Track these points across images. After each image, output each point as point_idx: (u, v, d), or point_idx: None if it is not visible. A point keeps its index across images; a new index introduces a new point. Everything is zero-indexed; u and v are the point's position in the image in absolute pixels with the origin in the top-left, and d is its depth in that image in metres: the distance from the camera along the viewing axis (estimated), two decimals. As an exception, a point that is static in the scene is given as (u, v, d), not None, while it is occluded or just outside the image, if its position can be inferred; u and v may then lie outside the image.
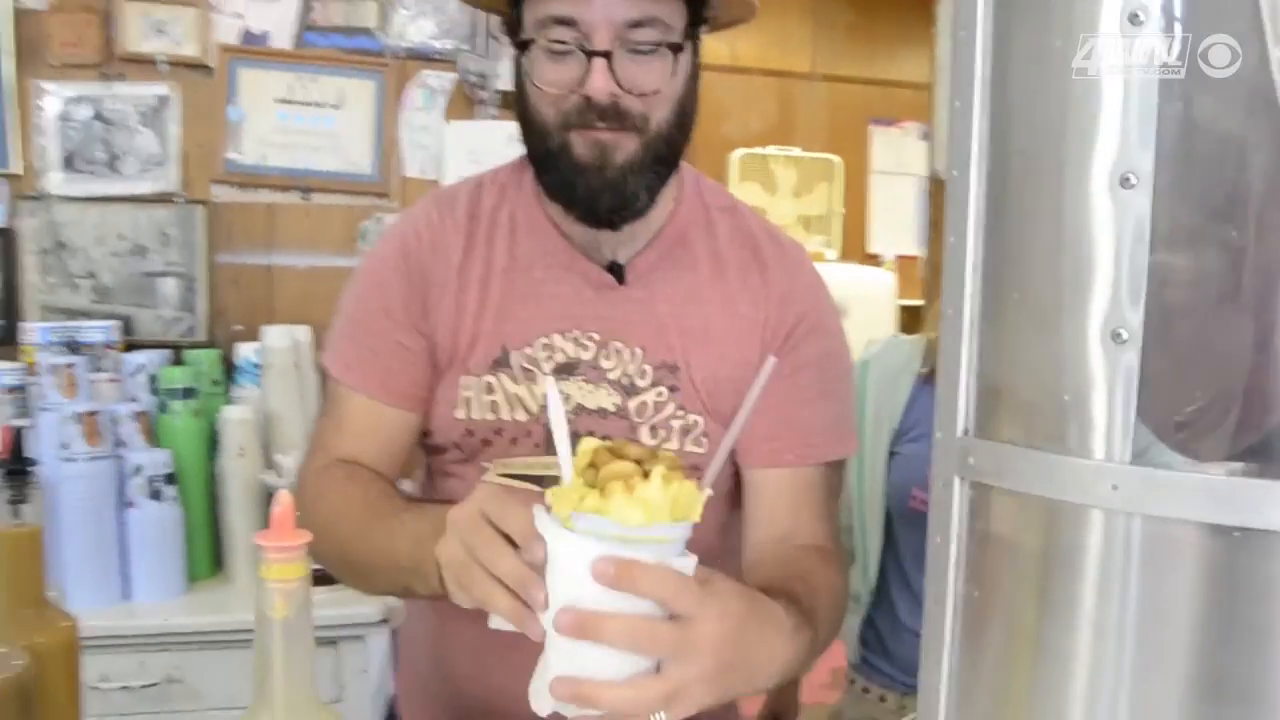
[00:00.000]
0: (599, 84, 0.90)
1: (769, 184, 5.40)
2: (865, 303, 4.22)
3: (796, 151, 5.46)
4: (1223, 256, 0.68)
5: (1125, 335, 0.64)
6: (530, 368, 1.00)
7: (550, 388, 0.73)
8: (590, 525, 0.66)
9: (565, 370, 1.00)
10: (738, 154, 5.41)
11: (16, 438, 0.88)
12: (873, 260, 5.48)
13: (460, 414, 1.01)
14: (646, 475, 0.66)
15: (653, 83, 0.93)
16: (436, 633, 1.10)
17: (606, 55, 0.90)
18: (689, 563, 0.71)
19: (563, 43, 0.91)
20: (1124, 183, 0.64)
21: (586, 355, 1.00)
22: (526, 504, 0.71)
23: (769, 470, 1.02)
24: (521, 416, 1.00)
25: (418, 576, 0.81)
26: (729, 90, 5.76)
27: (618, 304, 1.01)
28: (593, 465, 0.68)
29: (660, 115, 0.95)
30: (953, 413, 0.73)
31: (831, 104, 5.85)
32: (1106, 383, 0.65)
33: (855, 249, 5.53)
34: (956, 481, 0.73)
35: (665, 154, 0.96)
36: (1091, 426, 0.66)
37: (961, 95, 0.73)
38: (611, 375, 1.00)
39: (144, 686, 1.64)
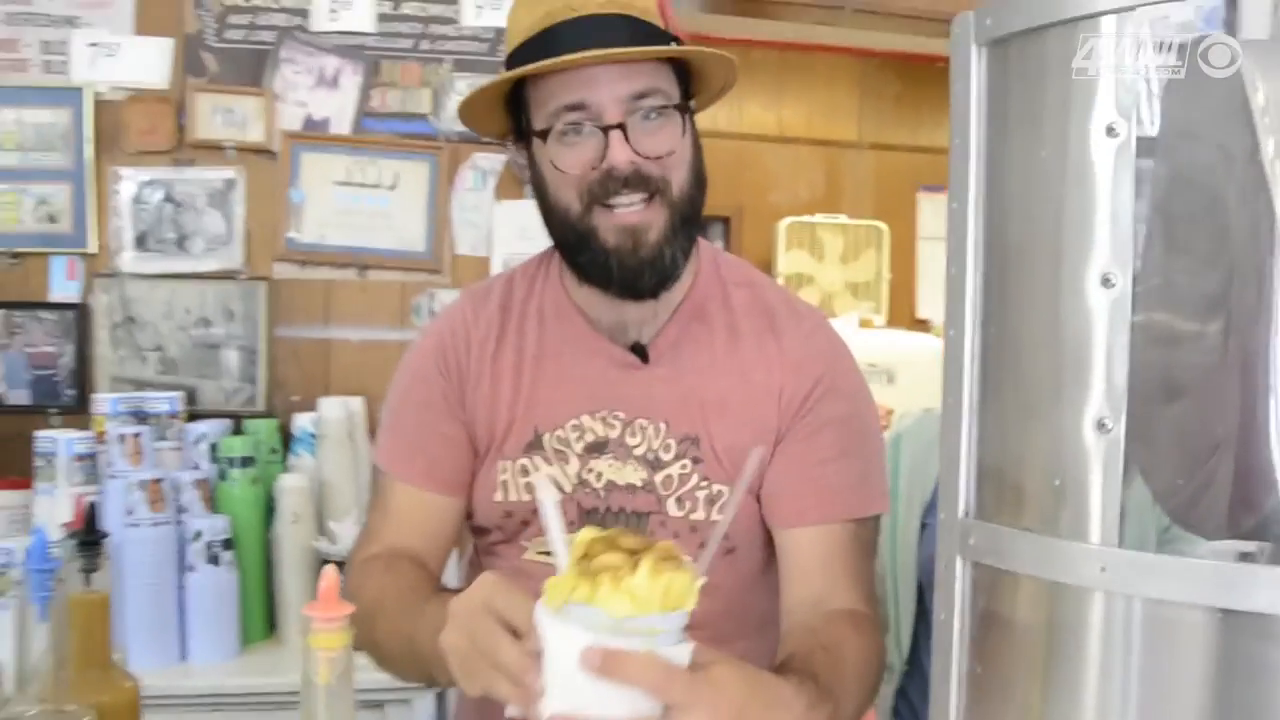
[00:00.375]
0: (618, 155, 0.97)
1: (816, 251, 5.46)
2: (912, 367, 4.23)
3: (844, 219, 5.52)
4: (1208, 345, 0.72)
5: (1109, 424, 0.68)
6: (562, 449, 1.05)
7: (541, 483, 0.76)
8: (580, 615, 0.67)
9: (595, 449, 1.05)
10: (785, 222, 5.49)
11: (91, 510, 0.95)
12: (921, 325, 5.49)
13: (499, 497, 1.06)
14: (638, 566, 0.67)
15: (666, 144, 0.99)
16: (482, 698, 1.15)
17: (621, 127, 0.97)
18: (684, 651, 0.71)
19: (577, 125, 0.98)
20: (1105, 282, 0.69)
21: (614, 434, 1.05)
22: (529, 594, 0.73)
23: (796, 531, 1.04)
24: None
25: (437, 665, 0.83)
26: (777, 160, 5.87)
27: (642, 383, 1.06)
28: (587, 556, 0.69)
29: (679, 176, 1.01)
30: (954, 495, 0.77)
31: (878, 172, 5.92)
32: (1093, 469, 0.69)
33: (904, 314, 5.55)
34: (958, 561, 0.77)
35: (690, 214, 1.02)
36: (1081, 511, 0.69)
37: (958, 199, 0.78)
38: (637, 451, 1.05)
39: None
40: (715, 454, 1.04)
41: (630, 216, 0.98)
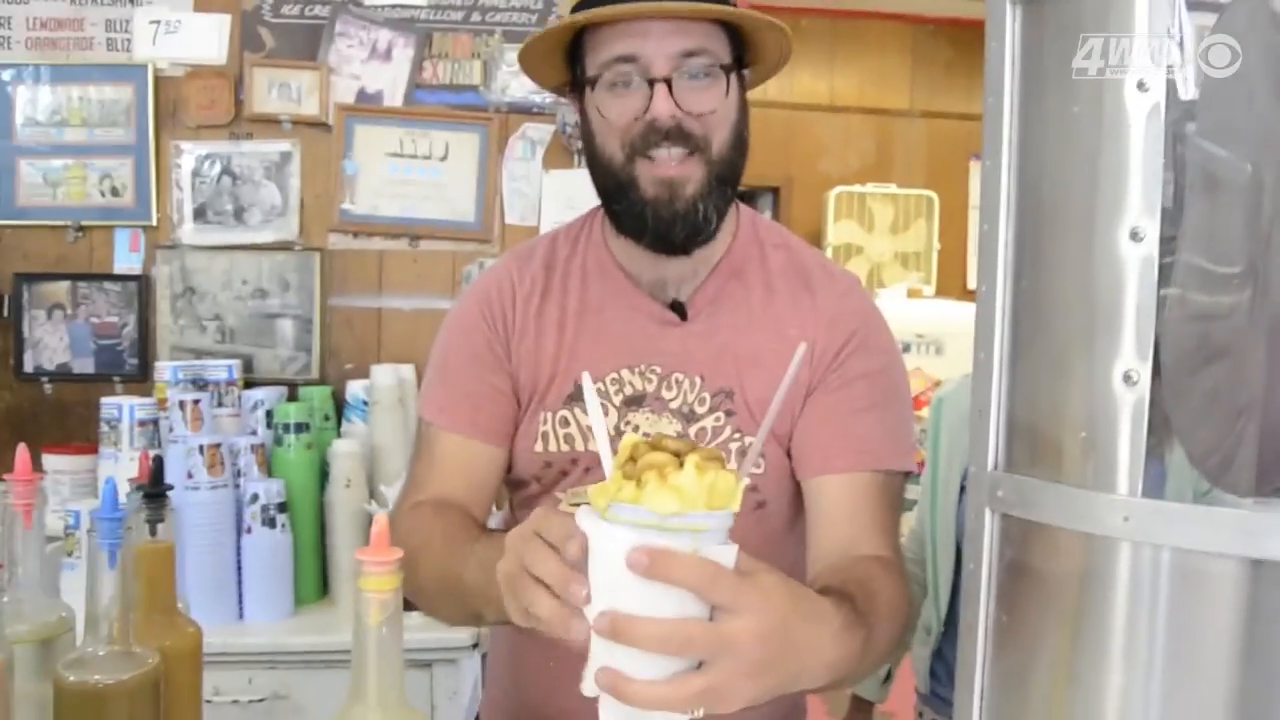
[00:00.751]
0: (662, 107, 1.00)
1: (866, 221, 5.43)
2: (962, 338, 4.20)
3: (893, 188, 5.48)
4: (1239, 310, 0.73)
5: (1135, 377, 0.69)
6: (602, 401, 1.08)
7: (587, 386, 0.75)
8: (626, 515, 0.66)
9: (633, 402, 1.08)
10: (834, 191, 5.46)
11: (157, 465, 1.00)
12: (972, 296, 5.43)
13: (539, 447, 1.10)
14: (683, 465, 0.67)
15: (709, 103, 1.02)
16: (514, 657, 1.18)
17: (667, 81, 1.00)
18: (729, 553, 0.69)
19: (626, 76, 1.01)
20: (1134, 236, 0.70)
21: (651, 387, 1.08)
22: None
23: (824, 479, 1.05)
24: (595, 447, 1.08)
25: (485, 601, 0.84)
26: (827, 128, 5.83)
27: (679, 338, 1.09)
28: (632, 459, 0.69)
29: (720, 136, 1.03)
30: (984, 448, 0.79)
31: (930, 140, 5.86)
32: (1120, 421, 0.70)
33: (954, 285, 5.50)
34: (987, 513, 0.79)
35: (727, 175, 1.05)
36: (1108, 462, 0.71)
37: (992, 156, 0.79)
38: (673, 404, 1.08)
39: (252, 701, 1.76)
40: (748, 407, 1.07)
41: (669, 169, 1.01)
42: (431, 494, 1.08)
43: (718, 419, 1.08)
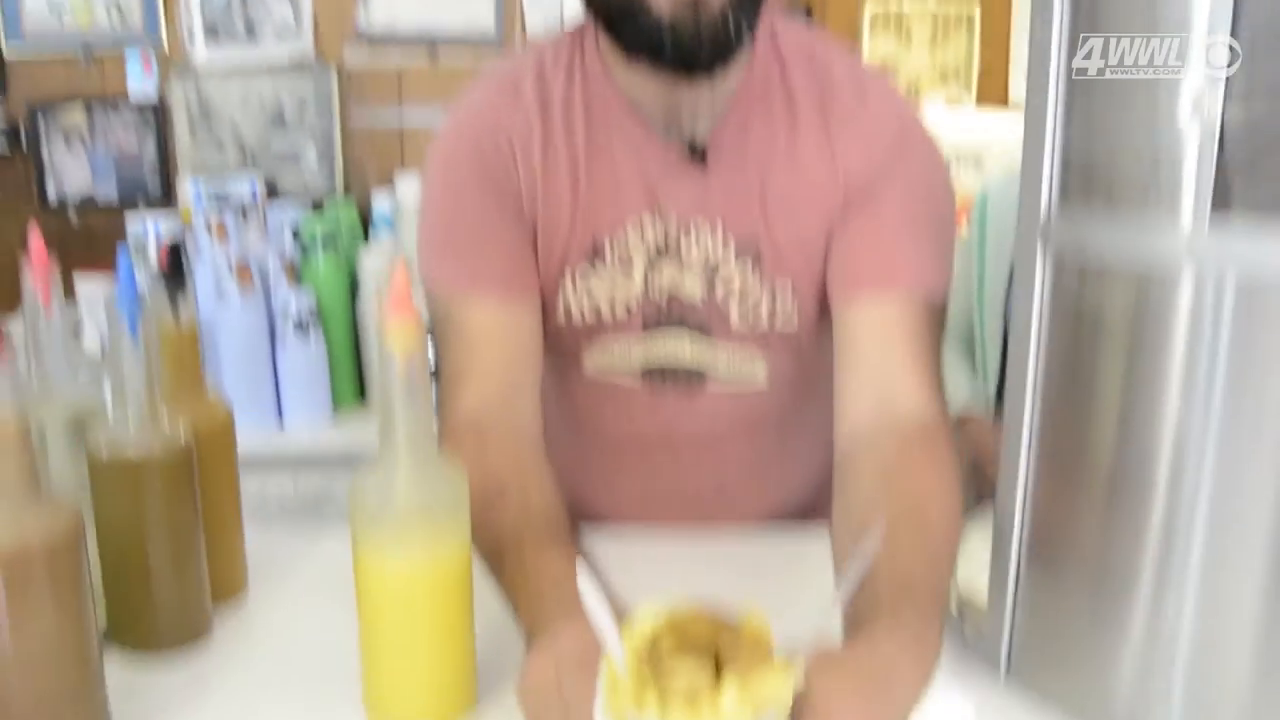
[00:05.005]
0: None
1: (903, 36, 5.21)
2: (1003, 153, 4.06)
3: (932, 3, 5.23)
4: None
5: (1206, 103, 0.64)
6: (626, 255, 0.99)
7: (582, 577, 0.60)
8: None
9: (659, 252, 0.99)
10: (870, 6, 5.22)
11: (174, 252, 0.97)
12: (1016, 107, 5.24)
13: (560, 305, 1.01)
14: (719, 671, 0.55)
15: None
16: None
17: None
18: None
19: None
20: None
21: (672, 232, 0.98)
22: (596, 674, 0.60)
23: (852, 306, 0.95)
24: (620, 311, 1.00)
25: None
26: (862, -59, 5.54)
27: (698, 180, 0.97)
28: (653, 648, 0.57)
29: None
30: (1036, 188, 0.74)
31: (971, -51, 5.57)
32: (1186, 148, 0.65)
33: (996, 93, 5.29)
34: (1039, 254, 0.74)
35: None
36: (1171, 190, 0.66)
37: None
38: (695, 252, 0.98)
39: (298, 504, 1.81)
40: (776, 248, 0.98)
41: None
42: (476, 398, 0.95)
43: (743, 265, 0.98)
